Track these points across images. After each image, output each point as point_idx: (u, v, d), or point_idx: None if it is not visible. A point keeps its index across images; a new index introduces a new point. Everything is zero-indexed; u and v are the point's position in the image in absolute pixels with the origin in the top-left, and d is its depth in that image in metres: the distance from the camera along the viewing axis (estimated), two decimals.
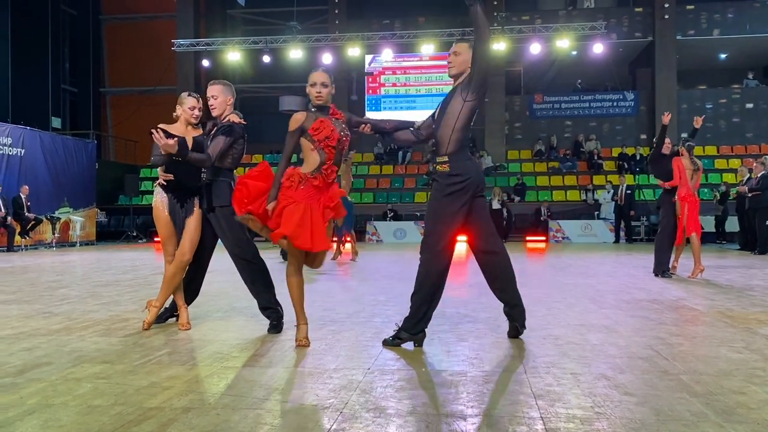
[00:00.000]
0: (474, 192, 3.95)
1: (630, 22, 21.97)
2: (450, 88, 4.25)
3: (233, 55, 20.91)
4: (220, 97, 4.72)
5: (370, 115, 23.13)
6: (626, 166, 20.56)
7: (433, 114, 4.21)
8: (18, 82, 20.88)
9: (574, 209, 19.79)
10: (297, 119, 3.95)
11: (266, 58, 20.61)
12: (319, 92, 3.95)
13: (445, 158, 3.93)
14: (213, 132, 4.64)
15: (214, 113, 4.78)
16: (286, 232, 3.77)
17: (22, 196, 14.90)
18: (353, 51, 20.35)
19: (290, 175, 3.88)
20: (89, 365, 3.44)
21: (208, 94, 4.76)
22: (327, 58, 20.15)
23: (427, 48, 20.09)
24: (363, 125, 4.25)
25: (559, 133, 22.58)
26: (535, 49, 19.76)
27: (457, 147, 3.94)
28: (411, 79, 22.67)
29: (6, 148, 15.01)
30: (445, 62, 4.34)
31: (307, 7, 23.01)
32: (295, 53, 20.25)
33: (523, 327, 4.18)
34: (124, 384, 3.06)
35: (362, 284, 7.44)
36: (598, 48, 19.64)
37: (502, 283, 4.18)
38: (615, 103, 22.48)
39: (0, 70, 20.25)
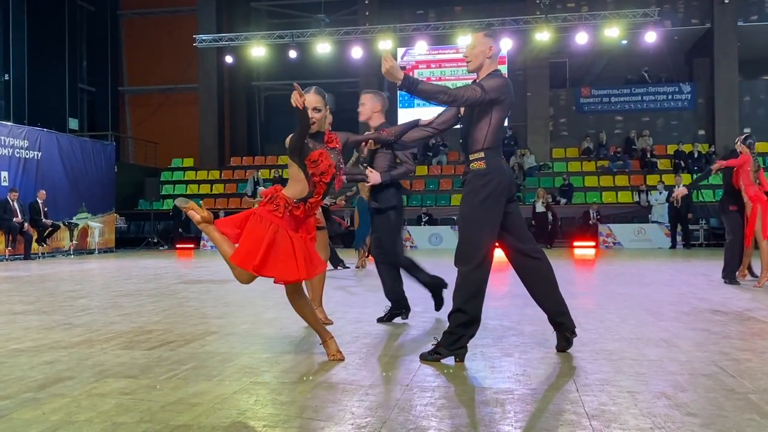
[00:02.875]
0: (509, 194, 3.95)
1: (686, 7, 21.64)
2: None
3: (258, 51, 21.16)
4: (368, 104, 5.18)
5: (403, 113, 23.18)
6: (683, 164, 20.21)
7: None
8: (34, 81, 21.43)
9: (626, 212, 19.52)
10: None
11: (292, 53, 20.81)
12: (311, 118, 3.80)
13: (481, 154, 3.89)
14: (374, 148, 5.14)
15: (361, 119, 5.33)
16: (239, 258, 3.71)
17: (39, 202, 15.27)
18: (385, 44, 20.40)
19: (274, 198, 3.77)
20: (113, 380, 3.51)
21: (360, 101, 5.32)
22: (357, 52, 20.27)
23: (464, 39, 20.03)
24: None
25: (608, 129, 22.31)
26: (581, 38, 19.58)
27: (493, 143, 3.92)
28: (447, 73, 22.65)
29: (23, 151, 15.41)
30: None
31: None
32: (323, 47, 20.40)
33: (574, 334, 4.15)
34: (150, 400, 3.11)
35: None
36: (651, 36, 19.38)
37: (544, 290, 4.13)
38: (670, 96, 22.14)
39: (16, 69, 20.81)
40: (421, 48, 21.26)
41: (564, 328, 4.13)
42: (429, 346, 4.05)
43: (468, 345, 3.96)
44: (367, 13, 22.33)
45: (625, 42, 21.18)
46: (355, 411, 2.94)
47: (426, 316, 5.61)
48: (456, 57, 22.52)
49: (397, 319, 5.46)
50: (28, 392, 3.27)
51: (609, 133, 22.24)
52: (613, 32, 19.42)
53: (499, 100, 3.85)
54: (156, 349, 4.33)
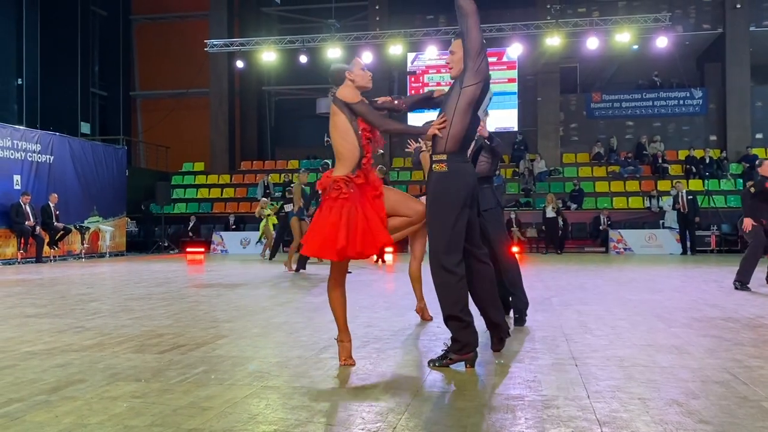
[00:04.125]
0: (471, 200, 3.91)
1: (697, 12, 21.54)
2: (498, 86, 4.32)
3: (268, 55, 21.24)
4: (458, 53, 5.31)
5: (412, 117, 23.19)
6: (694, 169, 20.11)
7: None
8: (47, 86, 21.60)
9: (637, 217, 19.44)
10: (353, 86, 3.95)
11: (303, 58, 20.88)
12: (371, 75, 4.02)
13: (443, 157, 3.88)
14: (476, 149, 5.27)
15: (452, 74, 5.43)
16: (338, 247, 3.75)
17: (51, 205, 15.37)
18: (395, 49, 20.45)
19: (334, 183, 3.83)
20: (124, 383, 3.53)
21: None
22: (367, 57, 20.28)
23: None
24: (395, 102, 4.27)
25: (619, 134, 22.25)
26: (592, 43, 19.54)
27: (456, 147, 3.87)
28: None
29: (35, 155, 15.52)
30: (493, 59, 4.42)
31: (345, 4, 23.25)
32: (333, 52, 20.45)
33: (508, 334, 4.34)
34: (161, 404, 3.13)
35: (406, 298, 7.44)
36: (662, 42, 19.32)
37: (487, 294, 4.12)
38: (681, 102, 22.05)
39: (29, 73, 20.98)
40: (431, 53, 21.25)
41: (499, 331, 4.22)
42: (439, 352, 4.05)
43: (478, 350, 3.95)
44: (377, 19, 22.38)
45: (636, 47, 21.11)
46: (365, 416, 2.94)
47: (437, 320, 5.60)
48: None
49: (410, 324, 5.47)
50: (40, 395, 3.29)
51: (620, 138, 22.16)
52: (624, 37, 19.37)
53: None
54: (167, 353, 4.35)
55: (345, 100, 3.87)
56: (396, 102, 4.25)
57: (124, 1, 25.56)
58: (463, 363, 3.90)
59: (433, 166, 3.91)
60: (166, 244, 20.36)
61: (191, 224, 20.59)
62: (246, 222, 20.61)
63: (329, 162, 12.02)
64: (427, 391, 3.41)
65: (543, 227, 18.25)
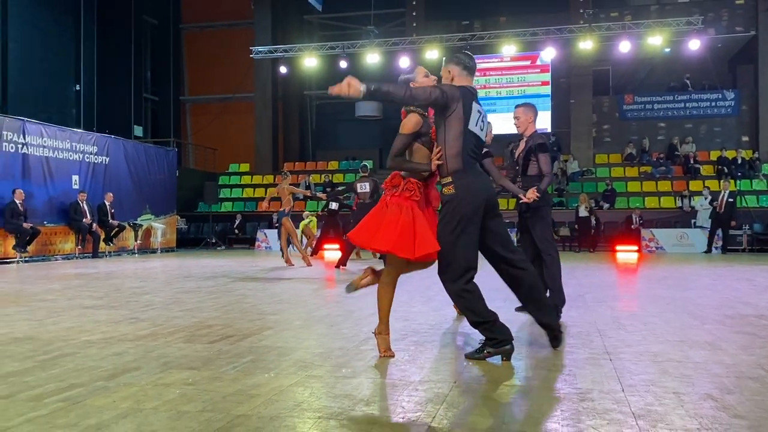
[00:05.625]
0: (487, 210, 3.85)
1: (730, 15, 21.02)
2: (532, 89, 4.30)
3: (310, 61, 21.37)
4: (522, 117, 5.59)
5: None
6: (726, 170, 19.62)
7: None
8: (103, 91, 22.07)
9: (669, 217, 19.05)
10: (417, 121, 3.91)
11: (343, 64, 20.94)
12: (435, 79, 4.04)
13: (449, 179, 3.83)
14: (525, 150, 5.59)
15: (519, 131, 5.73)
16: (389, 246, 3.77)
17: (107, 204, 15.70)
18: (431, 54, 20.38)
19: (406, 184, 3.88)
20: (176, 371, 3.58)
21: (514, 115, 5.73)
22: (404, 62, 20.28)
23: (509, 49, 19.88)
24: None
25: (651, 135, 21.83)
26: (624, 47, 19.22)
27: (458, 165, 3.81)
28: (491, 81, 22.49)
29: (92, 156, 15.88)
30: (527, 62, 4.43)
31: (384, 11, 23.25)
32: (372, 57, 20.49)
33: (561, 332, 4.21)
34: (211, 391, 3.17)
35: (442, 293, 7.41)
36: (695, 44, 18.89)
37: (531, 298, 4.17)
38: (713, 103, 21.54)
39: (86, 80, 21.46)
40: None
41: (552, 330, 4.13)
42: (476, 344, 4.03)
43: (515, 343, 3.92)
44: (414, 24, 22.35)
45: (668, 50, 20.68)
46: (405, 405, 2.94)
47: None
48: (500, 65, 22.35)
49: (447, 319, 5.45)
50: (99, 381, 3.36)
51: (652, 139, 21.75)
52: (656, 41, 19.00)
53: (448, 110, 3.77)
54: (216, 343, 4.41)
55: (400, 128, 3.93)
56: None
57: (174, 11, 25.97)
58: (499, 356, 3.87)
59: (443, 190, 3.87)
60: (213, 241, 20.63)
61: (237, 222, 20.84)
62: (292, 219, 20.72)
63: (367, 164, 12.09)
64: (465, 382, 3.39)
65: (576, 226, 18.01)
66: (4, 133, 13.35)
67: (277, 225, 12.54)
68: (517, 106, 5.82)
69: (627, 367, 3.70)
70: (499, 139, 21.69)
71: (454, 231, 3.77)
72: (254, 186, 23.40)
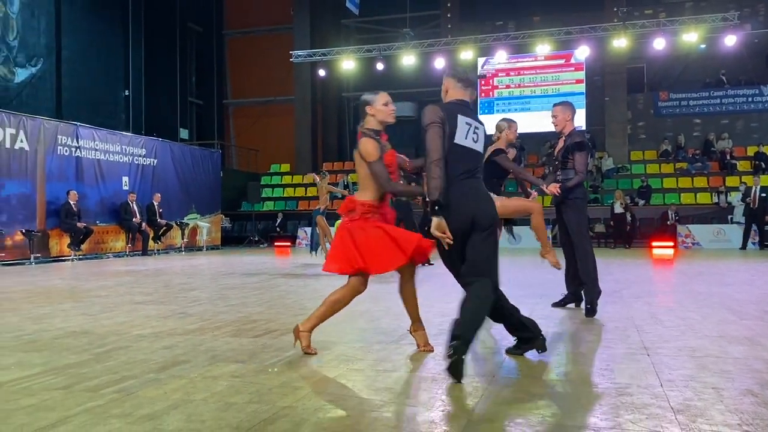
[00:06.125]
0: (469, 226, 3.53)
1: (767, 10, 20.41)
2: (566, 87, 4.17)
3: (347, 64, 21.43)
4: (560, 116, 5.55)
5: (482, 119, 22.91)
6: (763, 165, 19.07)
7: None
8: (150, 96, 22.49)
9: (705, 213, 18.60)
10: (376, 144, 3.81)
11: (379, 66, 20.96)
12: (394, 111, 3.96)
13: None
14: (564, 149, 5.51)
15: (557, 129, 5.68)
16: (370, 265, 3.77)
17: (155, 204, 16.01)
18: (466, 54, 20.26)
19: (359, 207, 3.84)
20: (224, 364, 3.64)
21: (552, 114, 5.70)
22: (439, 63, 20.21)
23: (543, 48, 19.64)
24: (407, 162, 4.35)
25: (687, 131, 21.35)
26: (659, 44, 18.81)
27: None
28: (526, 80, 22.26)
29: (140, 158, 16.21)
30: (561, 61, 4.28)
31: (419, 13, 23.20)
32: (408, 59, 20.46)
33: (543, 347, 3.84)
34: (257, 383, 3.21)
35: None
36: (731, 40, 18.39)
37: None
38: (750, 99, 20.95)
39: (134, 86, 21.89)
40: (500, 57, 20.96)
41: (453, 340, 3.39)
42: (513, 341, 4.00)
43: (545, 335, 3.88)
44: (449, 26, 22.25)
45: (703, 46, 20.18)
46: (444, 399, 2.93)
47: None
48: (535, 65, 22.11)
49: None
50: (150, 373, 3.43)
51: (687, 135, 21.26)
52: (691, 37, 18.55)
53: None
54: (261, 337, 4.46)
55: (365, 157, 3.81)
56: (407, 162, 4.35)
57: (217, 18, 26.33)
58: (535, 350, 3.83)
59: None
60: (256, 239, 20.87)
61: (279, 221, 21.04)
62: (328, 219, 20.85)
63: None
64: (503, 376, 3.37)
65: (611, 223, 17.72)
66: (59, 137, 13.71)
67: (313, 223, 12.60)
68: (555, 105, 5.78)
69: (665, 363, 3.63)
70: (534, 137, 21.56)
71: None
72: (294, 185, 23.60)
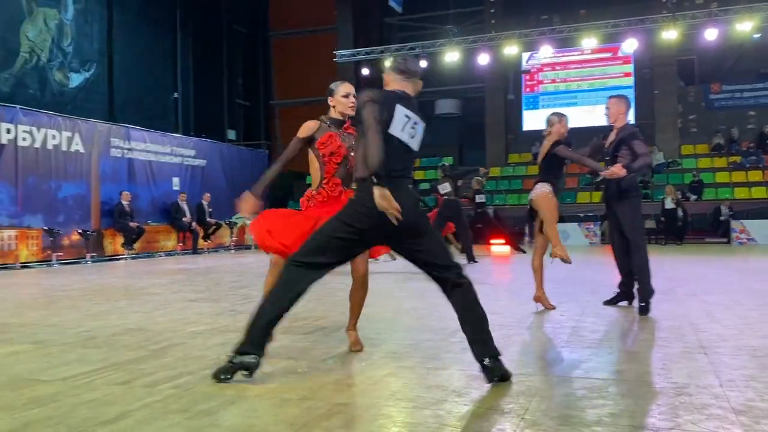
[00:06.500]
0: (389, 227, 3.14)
1: None
2: (614, 81, 4.03)
3: (390, 62, 21.43)
4: (613, 108, 5.49)
5: (528, 115, 22.65)
6: None
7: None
8: (199, 98, 22.91)
9: (761, 208, 17.96)
10: (309, 127, 3.95)
11: (422, 63, 20.89)
12: (354, 103, 3.88)
13: (355, 185, 3.38)
14: (616, 142, 5.41)
15: (609, 122, 5.61)
16: (285, 241, 3.73)
17: (204, 203, 16.32)
18: (510, 50, 20.03)
19: (305, 197, 4.03)
20: (277, 360, 3.68)
21: (606, 106, 5.64)
22: (483, 59, 20.05)
23: (589, 42, 19.27)
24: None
25: (740, 124, 20.65)
26: (710, 35, 18.22)
27: (363, 173, 3.20)
28: (572, 74, 21.89)
29: (190, 159, 16.56)
30: (608, 54, 4.14)
31: (462, 9, 23.05)
32: (451, 56, 20.34)
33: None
34: (310, 379, 3.24)
35: (527, 288, 7.28)
36: None
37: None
38: None
39: (183, 88, 22.33)
40: (545, 52, 20.61)
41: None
42: (565, 336, 3.94)
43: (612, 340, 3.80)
44: (492, 21, 22.02)
45: (757, 35, 19.46)
46: (494, 397, 2.90)
47: (561, 309, 5.45)
48: (581, 58, 21.72)
49: (532, 312, 5.36)
50: (206, 369, 3.48)
51: (741, 128, 20.57)
52: (744, 26, 17.92)
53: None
54: (311, 334, 4.50)
55: (300, 135, 3.98)
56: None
57: (262, 20, 26.66)
58: (589, 349, 3.76)
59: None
60: None
61: None
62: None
63: (446, 163, 11.99)
64: (556, 375, 3.32)
65: (662, 219, 17.28)
66: (112, 139, 14.10)
67: None
68: (609, 97, 5.72)
69: (724, 362, 3.52)
70: (581, 132, 21.13)
71: (337, 226, 3.25)
72: None
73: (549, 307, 5.49)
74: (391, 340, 4.24)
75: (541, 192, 5.47)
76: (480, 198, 13.66)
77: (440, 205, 11.31)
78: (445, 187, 11.23)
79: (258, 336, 3.23)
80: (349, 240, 3.24)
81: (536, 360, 3.70)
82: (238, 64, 25.91)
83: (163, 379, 3.30)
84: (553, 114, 5.67)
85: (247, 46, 26.23)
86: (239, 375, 3.18)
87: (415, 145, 3.42)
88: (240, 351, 3.20)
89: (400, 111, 3.31)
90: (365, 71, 22.72)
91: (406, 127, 3.35)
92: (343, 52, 22.56)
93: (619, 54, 21.10)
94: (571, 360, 3.65)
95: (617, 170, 5.13)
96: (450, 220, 11.45)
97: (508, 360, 3.61)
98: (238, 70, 26.02)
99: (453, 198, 11.05)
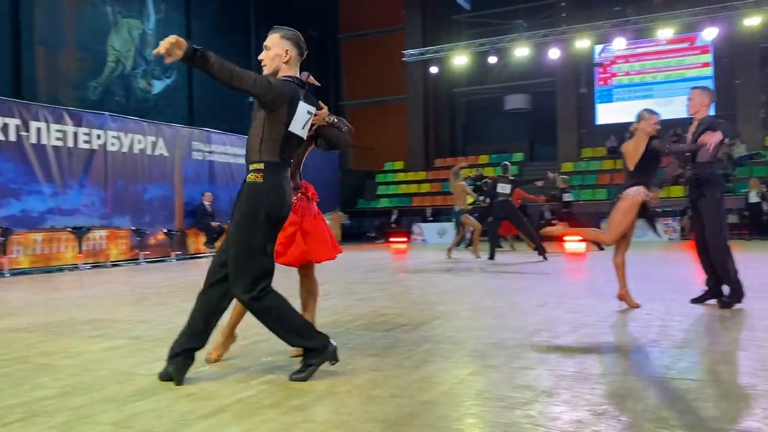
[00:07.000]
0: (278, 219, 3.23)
1: None
2: (691, 72, 3.83)
3: (459, 59, 21.28)
4: (695, 99, 5.33)
5: (600, 107, 22.02)
6: None
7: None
8: None
9: None
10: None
11: (492, 60, 20.65)
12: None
13: (260, 166, 3.17)
14: (697, 135, 5.17)
15: (690, 113, 5.40)
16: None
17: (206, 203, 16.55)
18: (581, 43, 19.53)
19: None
20: (361, 357, 3.70)
21: (688, 97, 5.39)
22: (554, 53, 19.63)
23: (664, 32, 18.55)
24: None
25: None
26: None
27: (273, 157, 3.16)
28: (647, 66, 21.14)
29: None
30: (685, 44, 3.95)
31: (532, 4, 22.64)
32: (521, 51, 20.01)
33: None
34: (396, 377, 3.24)
35: (608, 286, 7.07)
36: None
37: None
38: None
39: None
40: (619, 44, 19.97)
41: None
42: (653, 336, 3.80)
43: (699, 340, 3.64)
44: (563, 15, 21.52)
45: None
46: (589, 398, 2.82)
47: (647, 307, 5.26)
48: (657, 50, 20.95)
49: (615, 310, 5.21)
50: (295, 365, 3.52)
51: None
52: None
53: (275, 105, 3.13)
54: (392, 331, 4.51)
55: None
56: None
57: (332, 23, 26.97)
58: (679, 349, 3.61)
59: (247, 177, 3.22)
60: (373, 235, 21.21)
61: (394, 217, 21.28)
62: (442, 214, 20.89)
63: (508, 163, 11.81)
64: (648, 376, 3.20)
65: (745, 213, 16.46)
66: (193, 143, 14.58)
67: (455, 225, 12.56)
68: (693, 88, 5.51)
69: None
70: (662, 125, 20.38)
71: (256, 225, 3.14)
72: (408, 182, 23.76)
73: (633, 306, 5.31)
74: (473, 339, 4.20)
75: (635, 194, 5.23)
76: (567, 197, 13.47)
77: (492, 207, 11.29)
78: (504, 188, 11.13)
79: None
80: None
81: (625, 360, 3.58)
82: (309, 67, 26.16)
83: (254, 374, 3.38)
84: (645, 110, 5.41)
85: (318, 49, 26.57)
86: (328, 368, 3.22)
87: (304, 135, 3.36)
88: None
89: (303, 108, 3.25)
90: (434, 69, 22.64)
91: (306, 125, 3.32)
92: (411, 51, 22.54)
93: (697, 43, 20.24)
94: (661, 360, 3.52)
95: (712, 137, 4.94)
96: (505, 221, 11.42)
97: (595, 360, 3.52)
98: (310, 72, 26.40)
99: (507, 199, 11.03)
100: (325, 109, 3.53)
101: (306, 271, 3.97)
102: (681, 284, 6.73)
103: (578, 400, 2.79)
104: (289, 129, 3.19)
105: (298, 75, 3.34)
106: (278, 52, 3.31)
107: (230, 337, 3.82)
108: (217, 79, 3.04)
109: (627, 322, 4.75)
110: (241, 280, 3.18)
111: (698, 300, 5.47)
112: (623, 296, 5.39)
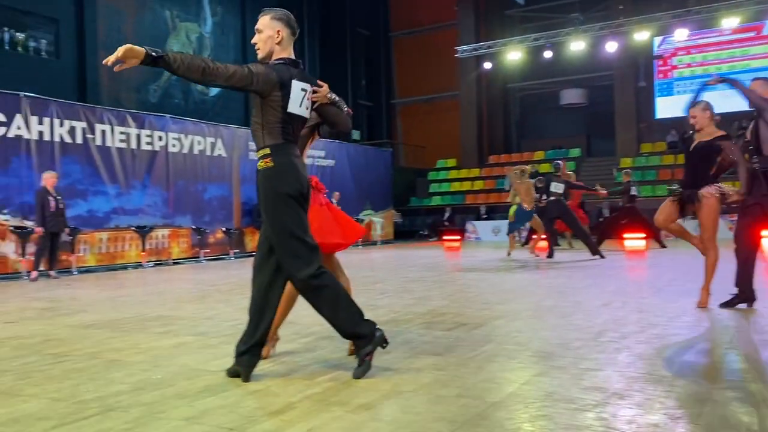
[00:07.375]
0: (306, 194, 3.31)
1: None
2: (757, 62, 3.62)
3: (513, 55, 21.01)
4: (758, 90, 5.11)
5: (661, 102, 21.39)
6: None
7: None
8: None
9: None
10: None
11: (547, 54, 20.31)
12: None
13: (267, 151, 3.19)
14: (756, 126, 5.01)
15: (750, 106, 5.17)
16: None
17: (334, 201, 16.72)
18: (640, 35, 19.00)
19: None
20: (424, 356, 3.68)
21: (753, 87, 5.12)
22: (611, 46, 19.19)
23: (729, 21, 17.87)
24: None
25: None
26: None
27: (276, 139, 3.18)
28: (709, 58, 20.42)
29: (320, 160, 17.09)
30: (751, 34, 3.73)
31: None
32: (577, 45, 19.61)
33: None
34: (461, 377, 3.20)
35: (672, 285, 6.86)
36: None
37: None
38: None
39: None
40: (680, 35, 19.34)
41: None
42: (728, 339, 3.64)
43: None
44: (621, 7, 20.97)
45: None
46: (664, 401, 2.72)
47: (719, 307, 5.07)
48: (720, 40, 20.20)
49: (685, 310, 5.02)
50: (356, 363, 3.54)
51: None
52: None
53: (265, 92, 3.12)
54: (453, 330, 4.47)
55: None
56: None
57: (383, 21, 27.00)
58: (758, 351, 3.45)
59: (258, 164, 3.27)
60: (426, 233, 21.15)
61: (447, 215, 21.16)
62: (496, 211, 20.66)
63: (560, 162, 11.55)
64: (726, 379, 3.07)
65: None
66: (250, 143, 14.81)
67: (525, 225, 12.48)
68: (754, 79, 5.22)
69: None
70: (722, 118, 19.66)
71: (284, 210, 3.18)
72: (461, 180, 23.59)
73: (702, 306, 5.12)
74: (537, 339, 4.12)
75: (711, 196, 5.03)
76: (634, 191, 13.19)
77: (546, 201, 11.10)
78: (558, 186, 10.95)
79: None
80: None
81: (700, 361, 3.45)
82: (360, 65, 26.40)
83: (319, 371, 3.39)
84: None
85: (369, 48, 26.67)
86: (390, 367, 3.20)
87: (307, 114, 3.37)
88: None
89: (297, 86, 3.22)
90: (487, 65, 22.43)
91: (304, 101, 3.28)
92: (464, 47, 22.39)
93: (763, 33, 19.42)
94: (739, 363, 3.37)
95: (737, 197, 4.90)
96: (558, 219, 11.26)
97: (666, 362, 3.40)
98: (361, 71, 26.51)
99: (559, 198, 10.87)
100: (326, 87, 3.52)
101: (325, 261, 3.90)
102: (759, 284, 6.45)
103: (652, 403, 2.69)
104: (288, 110, 3.20)
105: (292, 55, 3.33)
106: (270, 34, 3.28)
107: (273, 338, 3.83)
108: (188, 78, 3.00)
109: (699, 323, 4.58)
110: (294, 263, 3.19)
111: (728, 304, 5.15)
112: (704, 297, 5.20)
